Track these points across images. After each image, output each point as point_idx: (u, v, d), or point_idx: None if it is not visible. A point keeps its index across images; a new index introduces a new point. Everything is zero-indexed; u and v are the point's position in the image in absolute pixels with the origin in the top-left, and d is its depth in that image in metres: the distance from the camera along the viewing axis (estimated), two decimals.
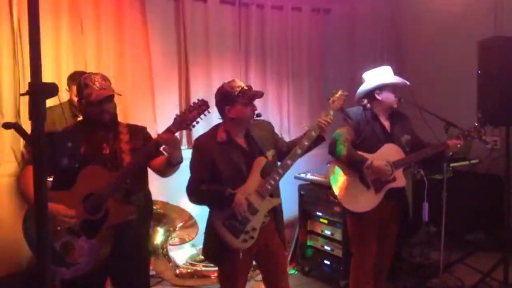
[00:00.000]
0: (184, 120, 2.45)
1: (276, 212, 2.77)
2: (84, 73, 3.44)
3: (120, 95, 2.62)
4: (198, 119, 2.48)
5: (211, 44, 4.92)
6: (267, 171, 2.69)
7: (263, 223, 2.68)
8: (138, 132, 2.67)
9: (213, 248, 2.73)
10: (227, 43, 5.05)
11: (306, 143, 2.74)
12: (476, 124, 3.31)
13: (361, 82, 3.33)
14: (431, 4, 5.43)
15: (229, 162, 2.65)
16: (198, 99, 2.49)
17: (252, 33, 5.15)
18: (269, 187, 2.65)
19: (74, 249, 2.41)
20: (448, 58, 5.21)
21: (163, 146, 2.46)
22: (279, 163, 2.77)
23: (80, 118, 3.31)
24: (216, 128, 2.74)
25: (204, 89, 4.91)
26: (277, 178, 2.68)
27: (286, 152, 2.81)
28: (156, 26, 4.66)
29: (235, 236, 2.62)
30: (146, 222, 2.79)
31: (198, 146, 2.71)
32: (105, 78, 2.55)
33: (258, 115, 2.71)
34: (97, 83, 2.49)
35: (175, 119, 2.47)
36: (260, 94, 2.67)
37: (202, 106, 2.46)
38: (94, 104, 2.49)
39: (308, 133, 2.76)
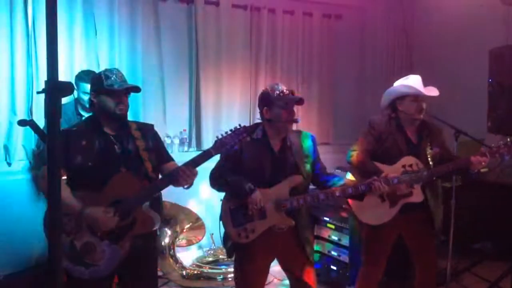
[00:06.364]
0: (224, 145, 2.48)
1: (299, 228, 2.77)
2: (92, 72, 3.47)
3: (140, 90, 2.62)
4: (236, 147, 2.53)
5: (222, 48, 4.95)
6: (297, 190, 2.71)
7: (274, 229, 2.69)
8: (147, 131, 2.68)
9: (225, 237, 2.79)
10: (238, 46, 5.08)
11: (350, 192, 2.75)
12: (508, 139, 3.00)
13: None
14: (443, 11, 5.42)
15: (256, 159, 2.71)
16: (239, 125, 2.51)
17: (263, 37, 5.17)
18: (288, 205, 2.67)
19: (95, 251, 2.42)
20: (459, 66, 5.18)
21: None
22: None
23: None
24: (257, 125, 2.80)
25: (214, 92, 4.95)
26: (301, 203, 2.69)
27: (316, 175, 2.83)
28: (168, 29, 4.71)
29: (233, 224, 2.68)
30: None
31: None
32: (122, 74, 2.60)
33: (295, 121, 2.74)
34: (116, 76, 2.52)
35: (216, 141, 2.50)
36: (296, 99, 2.70)
37: (243, 133, 2.49)
38: (115, 94, 2.48)
39: (358, 185, 2.77)
